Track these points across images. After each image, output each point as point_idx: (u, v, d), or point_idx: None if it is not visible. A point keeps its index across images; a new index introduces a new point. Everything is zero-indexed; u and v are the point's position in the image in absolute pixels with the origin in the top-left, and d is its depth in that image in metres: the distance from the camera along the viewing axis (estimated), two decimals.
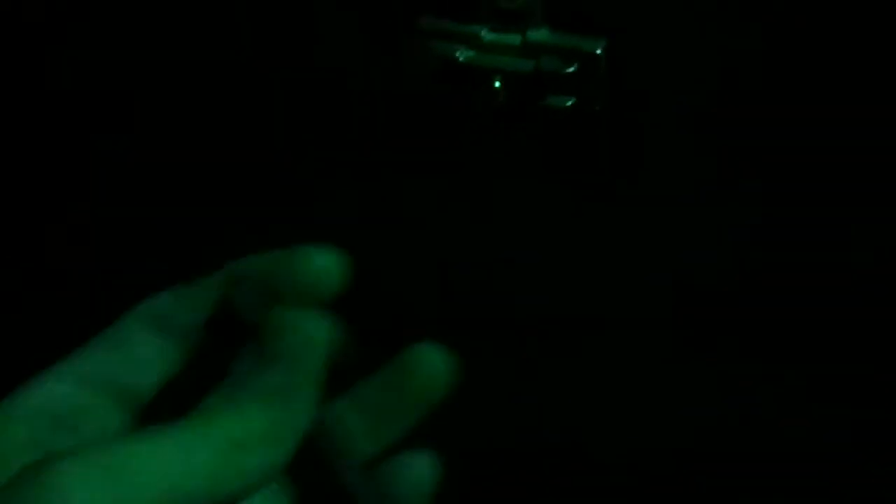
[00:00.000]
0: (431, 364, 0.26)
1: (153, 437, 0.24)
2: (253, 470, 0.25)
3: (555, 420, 0.38)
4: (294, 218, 0.37)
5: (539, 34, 0.29)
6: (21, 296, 0.41)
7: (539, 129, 0.31)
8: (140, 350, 0.27)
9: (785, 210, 0.32)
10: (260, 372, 0.25)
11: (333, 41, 0.33)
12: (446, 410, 0.25)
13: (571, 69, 0.29)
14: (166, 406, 0.27)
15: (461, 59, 0.30)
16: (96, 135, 0.38)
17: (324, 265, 0.25)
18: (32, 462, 0.22)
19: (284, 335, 0.25)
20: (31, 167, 0.39)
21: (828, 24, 0.28)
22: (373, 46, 0.32)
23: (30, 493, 0.22)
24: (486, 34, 0.30)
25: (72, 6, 0.36)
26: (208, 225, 0.38)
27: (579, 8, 0.29)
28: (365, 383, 0.27)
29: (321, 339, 0.25)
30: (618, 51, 0.29)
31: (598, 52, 0.29)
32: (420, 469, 0.27)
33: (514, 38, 0.30)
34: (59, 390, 0.26)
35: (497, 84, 0.29)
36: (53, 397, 0.26)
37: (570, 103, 0.30)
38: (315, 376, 0.25)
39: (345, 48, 0.33)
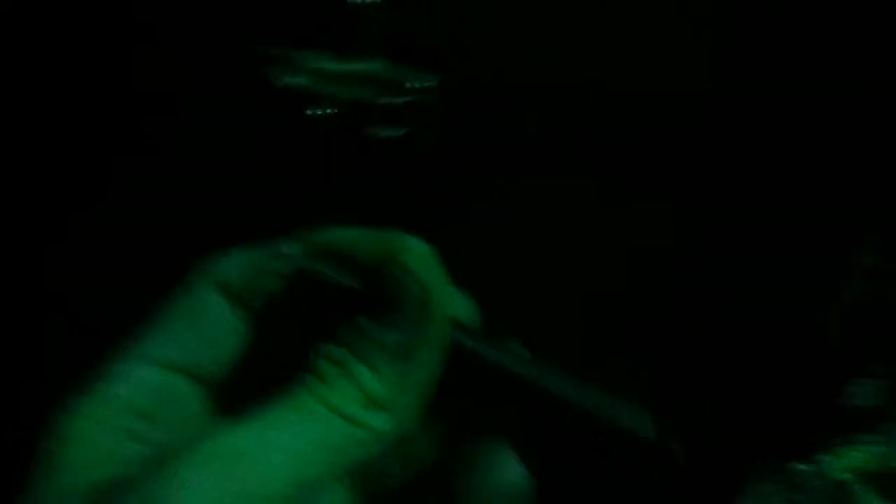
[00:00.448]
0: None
1: (275, 418, 0.22)
2: (384, 432, 0.22)
3: None
4: None
5: (376, 66, 0.30)
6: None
7: (373, 156, 0.31)
8: (218, 326, 0.25)
9: None
10: (380, 332, 0.22)
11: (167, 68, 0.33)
12: None
13: (405, 101, 0.30)
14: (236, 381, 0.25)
15: (300, 84, 0.30)
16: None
17: (422, 253, 0.24)
18: (151, 460, 0.21)
19: (410, 291, 0.22)
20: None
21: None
22: (210, 75, 0.32)
23: (156, 493, 0.20)
24: (326, 63, 0.30)
25: None
26: None
27: (417, 43, 0.30)
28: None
29: (445, 297, 0.23)
30: (451, 85, 0.30)
31: (430, 86, 0.30)
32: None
33: (353, 68, 0.30)
34: (147, 376, 0.24)
35: (332, 111, 0.30)
36: (142, 384, 0.24)
37: (401, 134, 0.30)
38: (440, 335, 0.23)
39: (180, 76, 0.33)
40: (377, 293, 0.24)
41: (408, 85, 0.29)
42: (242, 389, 0.24)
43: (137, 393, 0.24)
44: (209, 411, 0.25)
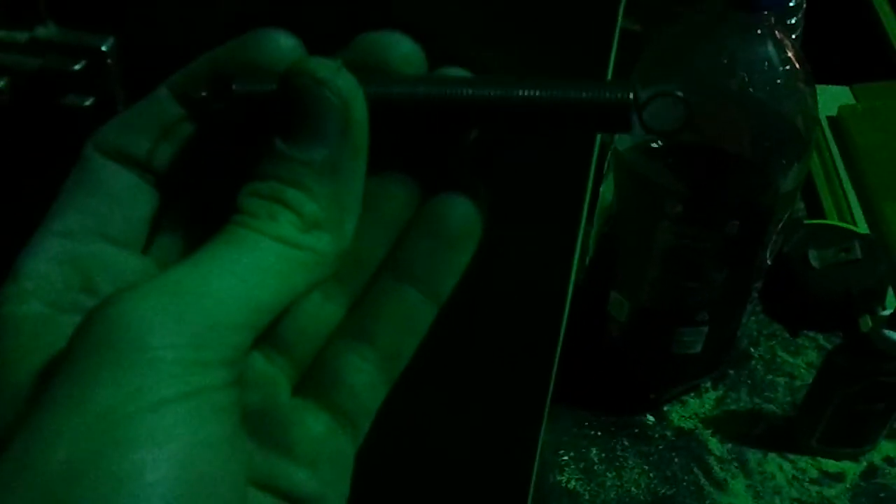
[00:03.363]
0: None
1: (213, 254, 0.22)
2: (325, 253, 0.22)
3: None
4: None
5: (45, 31, 0.28)
6: None
7: (61, 127, 0.29)
8: (113, 187, 0.24)
9: None
10: (302, 151, 0.22)
11: None
12: None
13: (78, 66, 0.28)
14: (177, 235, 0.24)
15: None
16: None
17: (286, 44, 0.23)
18: (98, 304, 0.20)
19: (328, 101, 0.22)
20: None
21: None
22: None
23: (105, 334, 0.19)
24: None
25: None
26: None
27: (87, 2, 0.28)
28: None
29: (354, 92, 0.22)
30: (129, 47, 0.28)
31: (105, 48, 0.28)
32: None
33: (21, 36, 0.28)
34: (59, 247, 0.23)
35: (0, 84, 0.27)
36: (58, 257, 0.23)
37: (89, 103, 0.28)
38: (364, 139, 0.22)
39: None
40: (284, 108, 0.23)
41: (82, 47, 0.27)
42: (175, 240, 0.24)
43: (56, 266, 0.23)
44: (142, 271, 0.24)
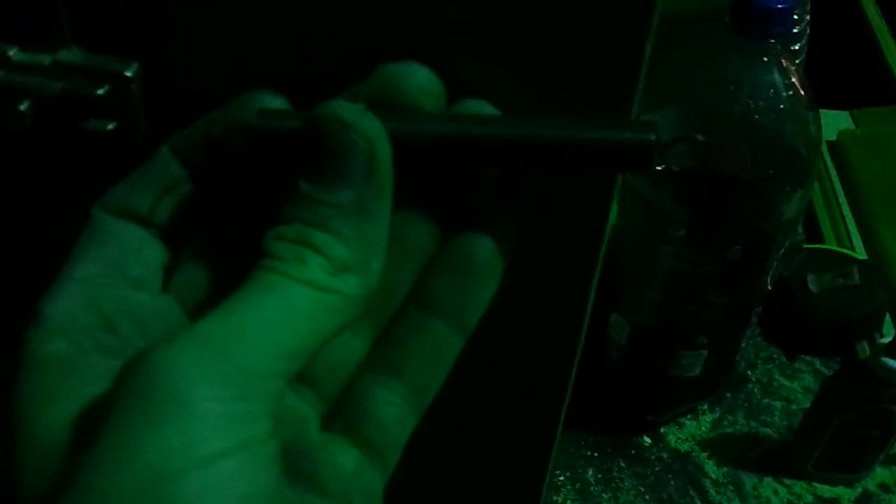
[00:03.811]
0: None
1: (246, 301, 0.22)
2: (354, 295, 0.22)
3: None
4: None
5: (70, 54, 0.28)
6: None
7: (81, 150, 0.29)
8: (127, 237, 0.25)
9: None
10: (329, 193, 0.22)
11: None
12: None
13: (102, 91, 0.28)
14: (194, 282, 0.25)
15: None
16: None
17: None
18: (134, 356, 0.20)
19: (354, 144, 0.22)
20: None
21: None
22: None
23: (147, 389, 0.19)
24: (14, 54, 0.28)
25: None
26: None
27: (112, 29, 0.28)
28: None
29: (379, 134, 0.22)
30: (154, 74, 0.28)
31: (129, 74, 0.28)
32: None
33: (45, 59, 0.28)
34: (78, 295, 0.23)
35: (23, 107, 0.27)
36: (77, 307, 0.23)
37: (111, 127, 0.28)
38: (389, 180, 0.22)
39: None
40: (309, 150, 0.23)
41: (106, 72, 0.27)
42: (198, 283, 0.24)
43: (77, 308, 0.23)
44: (167, 312, 0.25)
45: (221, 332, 0.21)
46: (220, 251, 0.26)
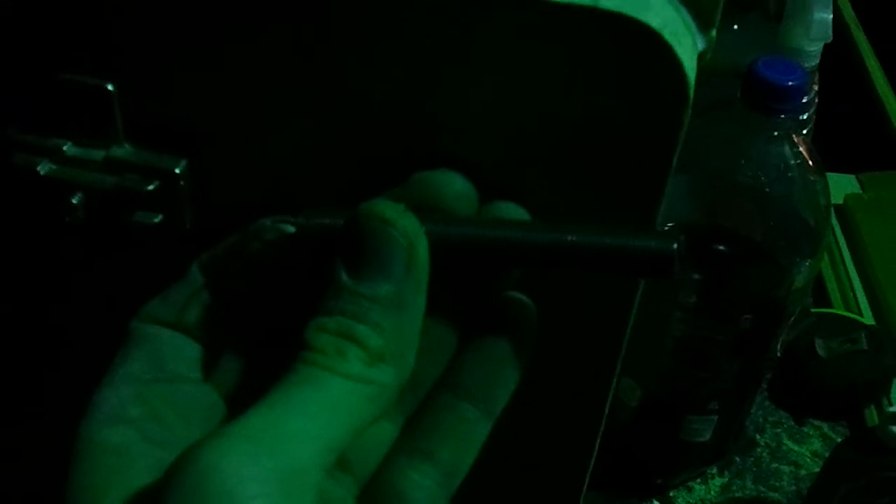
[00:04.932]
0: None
1: (287, 396, 0.23)
2: (389, 385, 0.23)
3: None
4: None
5: (122, 151, 0.29)
6: None
7: (129, 244, 0.30)
8: (166, 341, 0.26)
9: None
10: (369, 286, 0.23)
11: None
12: None
13: (152, 186, 0.29)
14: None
15: (42, 172, 0.29)
16: None
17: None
18: (184, 452, 0.21)
19: (394, 240, 0.23)
20: None
21: None
22: None
23: (196, 487, 0.20)
24: (68, 148, 0.29)
25: None
26: None
27: (162, 127, 0.29)
28: None
29: (418, 232, 0.24)
30: (201, 170, 0.30)
31: (178, 171, 0.29)
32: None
33: (97, 154, 0.29)
34: (125, 389, 0.25)
35: (75, 200, 0.29)
36: (125, 399, 0.25)
37: (157, 220, 0.29)
38: (426, 275, 0.24)
39: None
40: (351, 245, 0.24)
41: (156, 169, 0.28)
42: (236, 371, 0.26)
43: (125, 401, 0.25)
44: (208, 401, 0.26)
45: (266, 428, 0.22)
46: (255, 340, 0.27)
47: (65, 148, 0.29)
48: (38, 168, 0.29)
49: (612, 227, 0.26)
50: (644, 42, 0.24)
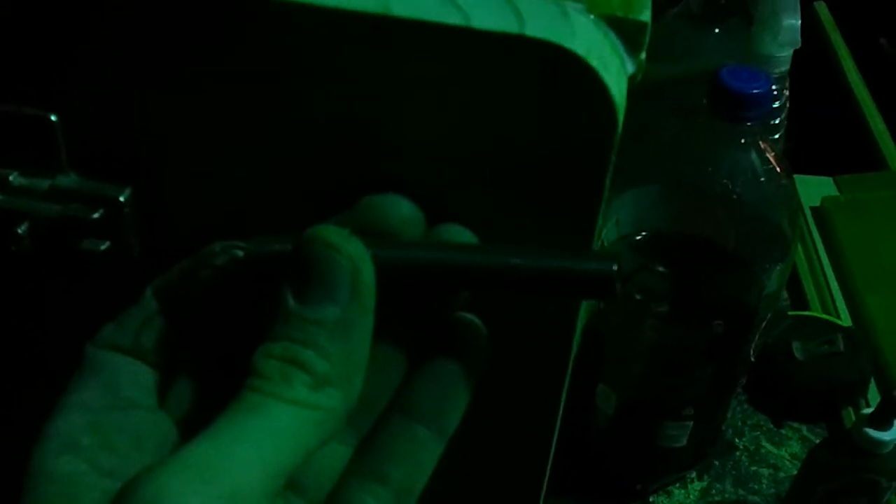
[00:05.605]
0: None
1: (232, 424, 0.23)
2: (335, 409, 0.23)
3: None
4: None
5: (66, 180, 0.30)
6: None
7: (76, 272, 0.30)
8: (120, 367, 0.26)
9: None
10: (315, 311, 0.23)
11: None
12: None
13: (97, 215, 0.29)
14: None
15: None
16: None
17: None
18: (129, 481, 0.21)
19: (339, 265, 0.24)
20: None
21: None
22: None
23: None
24: (14, 178, 0.30)
25: None
26: None
27: (106, 155, 0.30)
28: None
29: (363, 256, 0.24)
30: (146, 197, 0.30)
31: (122, 198, 0.29)
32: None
33: (43, 183, 0.30)
34: (77, 418, 0.25)
35: (21, 230, 0.29)
36: (77, 427, 0.25)
37: (104, 247, 0.30)
38: (372, 299, 0.24)
39: None
40: (296, 271, 0.25)
41: (101, 197, 0.29)
42: (188, 397, 0.26)
43: (77, 429, 0.25)
44: (161, 428, 0.26)
45: (210, 456, 0.22)
46: (207, 366, 0.27)
47: (10, 178, 0.30)
48: None
49: (555, 251, 0.26)
50: (570, 68, 0.24)
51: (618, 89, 0.25)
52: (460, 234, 0.28)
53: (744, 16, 0.78)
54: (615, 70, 0.25)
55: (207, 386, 0.27)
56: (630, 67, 0.26)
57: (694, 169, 0.62)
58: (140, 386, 0.26)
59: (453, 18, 0.25)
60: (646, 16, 0.26)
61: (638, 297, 0.26)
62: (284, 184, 0.30)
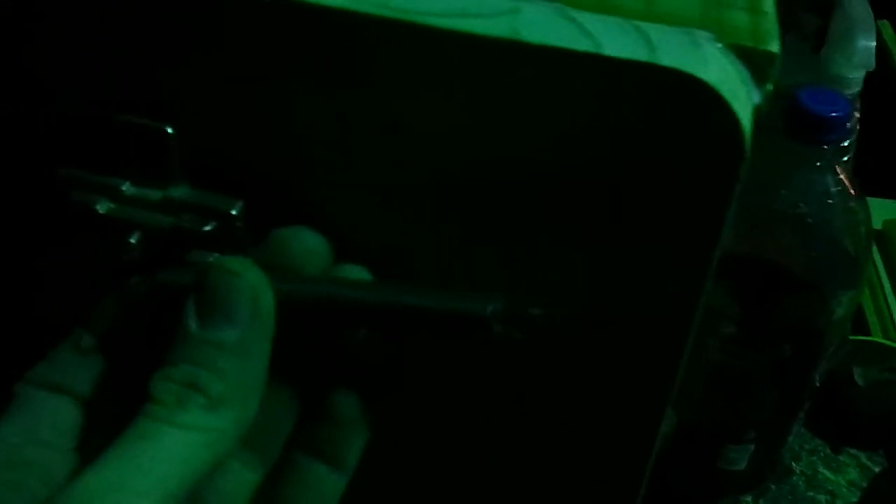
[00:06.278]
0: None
1: (121, 452, 0.23)
2: (227, 430, 0.24)
3: None
4: None
5: (179, 191, 0.30)
6: None
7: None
8: (43, 406, 0.26)
9: None
10: (214, 332, 0.24)
11: None
12: None
13: (209, 227, 0.29)
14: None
15: (101, 210, 0.30)
16: None
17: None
18: None
19: (240, 290, 0.24)
20: None
21: None
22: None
23: None
24: (127, 188, 0.30)
25: None
26: None
27: (221, 168, 0.30)
28: None
29: (263, 284, 0.24)
30: (256, 211, 0.30)
31: (234, 212, 0.29)
32: None
33: (155, 194, 0.30)
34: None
35: (133, 239, 0.29)
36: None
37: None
38: (271, 323, 0.24)
39: None
40: (199, 297, 0.26)
41: (213, 210, 0.29)
42: (103, 437, 0.25)
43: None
44: (67, 466, 0.26)
45: (99, 485, 0.22)
46: (126, 401, 0.27)
47: (123, 188, 0.30)
48: (97, 206, 0.30)
49: (441, 291, 0.26)
50: (702, 98, 0.24)
51: (746, 120, 0.25)
52: (358, 272, 0.28)
53: (799, 33, 0.77)
54: (744, 100, 0.25)
55: (124, 421, 0.27)
56: (756, 98, 0.26)
57: (766, 190, 0.62)
58: (59, 427, 0.26)
59: (584, 45, 0.24)
60: (775, 46, 0.26)
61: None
62: (400, 209, 0.30)
